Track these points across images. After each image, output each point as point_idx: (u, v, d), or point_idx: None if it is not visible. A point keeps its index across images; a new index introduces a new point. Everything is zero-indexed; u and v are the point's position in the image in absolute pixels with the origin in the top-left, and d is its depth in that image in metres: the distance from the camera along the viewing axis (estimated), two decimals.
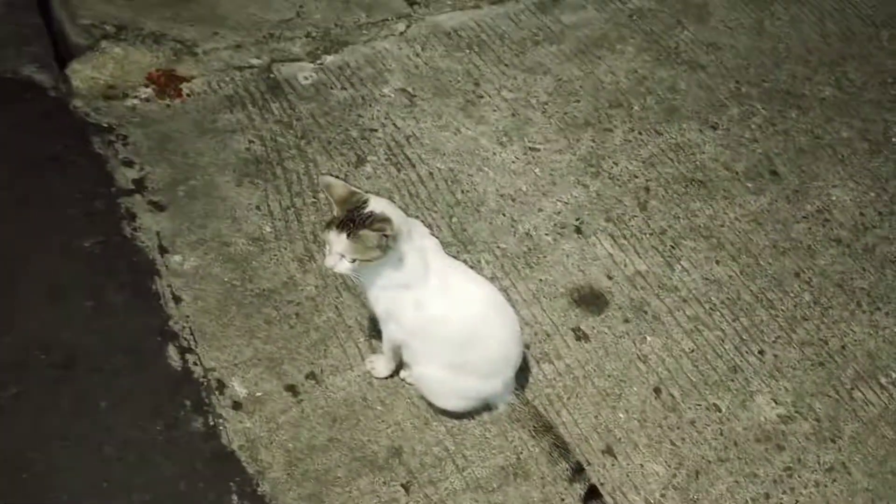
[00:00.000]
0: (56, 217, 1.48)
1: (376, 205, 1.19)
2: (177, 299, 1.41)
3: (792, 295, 1.59)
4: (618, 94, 1.91)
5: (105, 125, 1.64)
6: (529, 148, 1.77)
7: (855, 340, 1.54)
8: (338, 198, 1.18)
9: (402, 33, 1.97)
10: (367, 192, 1.22)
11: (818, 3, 2.24)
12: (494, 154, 1.75)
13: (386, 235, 1.16)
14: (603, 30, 2.06)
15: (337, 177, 1.39)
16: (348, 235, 1.16)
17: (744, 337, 1.51)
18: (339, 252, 1.18)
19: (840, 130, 1.93)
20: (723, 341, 1.50)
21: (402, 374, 1.37)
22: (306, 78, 1.83)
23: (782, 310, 1.56)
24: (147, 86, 1.72)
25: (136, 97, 1.70)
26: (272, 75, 1.81)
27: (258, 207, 1.57)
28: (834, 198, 1.78)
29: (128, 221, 1.50)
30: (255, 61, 1.83)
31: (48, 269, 1.41)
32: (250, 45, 1.85)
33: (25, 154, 1.57)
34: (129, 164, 1.59)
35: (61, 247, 1.44)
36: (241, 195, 1.59)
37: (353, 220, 1.17)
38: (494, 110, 1.83)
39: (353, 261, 1.18)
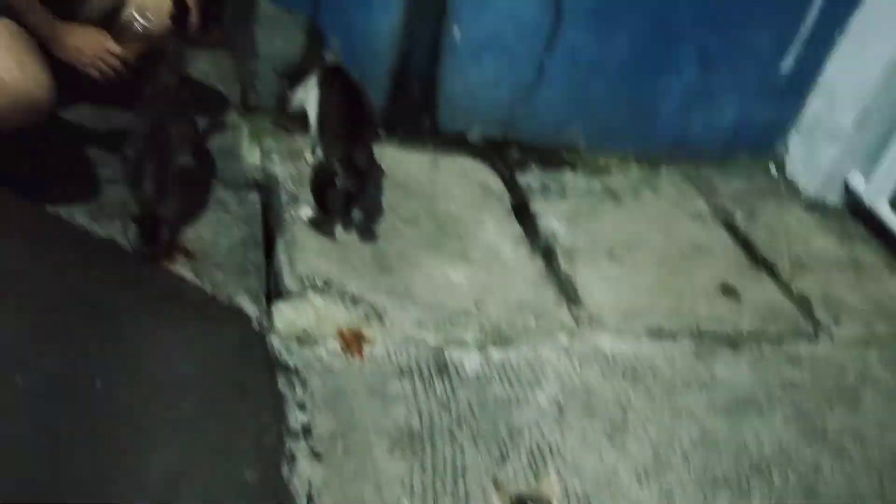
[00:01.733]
0: (226, 443, 1.63)
1: None
2: None
3: None
4: (760, 460, 1.95)
5: (292, 366, 1.82)
6: (666, 494, 1.81)
7: None
8: None
9: (564, 346, 2.12)
10: None
11: None
12: (630, 490, 1.79)
13: None
14: (753, 391, 2.14)
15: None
16: None
17: None
18: None
19: None
20: None
21: None
22: (471, 366, 1.98)
23: None
24: (336, 340, 1.91)
25: (324, 348, 1.89)
26: (442, 357, 1.98)
27: (402, 480, 1.66)
28: None
29: (287, 463, 1.62)
30: (430, 340, 2.01)
31: (208, 494, 1.53)
32: (430, 325, 2.05)
33: (216, 374, 1.76)
34: (302, 407, 1.74)
35: (225, 475, 1.56)
36: (390, 463, 1.69)
37: None
38: (637, 444, 1.90)
39: None
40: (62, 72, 1.92)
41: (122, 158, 2.01)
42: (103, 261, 1.93)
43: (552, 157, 2.80)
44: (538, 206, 2.57)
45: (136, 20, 2.06)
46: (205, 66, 2.66)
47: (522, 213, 2.53)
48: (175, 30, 2.12)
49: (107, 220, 2.05)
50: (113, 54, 2.01)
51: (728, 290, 2.43)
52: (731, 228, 2.75)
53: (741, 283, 2.48)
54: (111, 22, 2.13)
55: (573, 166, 2.80)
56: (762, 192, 3.00)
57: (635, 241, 2.54)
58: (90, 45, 1.98)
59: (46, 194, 2.03)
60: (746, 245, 2.68)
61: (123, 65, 2.04)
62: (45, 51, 1.89)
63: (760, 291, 2.48)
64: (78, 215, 2.03)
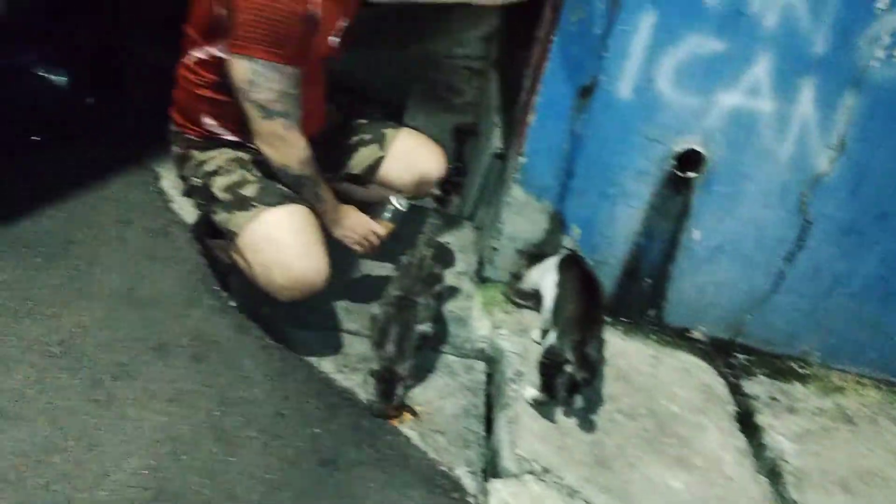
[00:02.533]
0: None
1: None
2: None
3: None
4: None
5: None
6: None
7: None
8: None
9: None
10: None
11: None
12: None
13: None
14: None
15: None
16: None
17: None
18: None
19: None
20: None
21: None
22: None
23: None
24: None
25: None
26: None
27: None
28: None
29: None
30: None
31: None
32: None
33: None
34: None
35: None
36: None
37: None
38: None
39: None
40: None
41: (371, 318, 2.18)
42: (342, 412, 2.06)
43: (782, 367, 2.68)
44: (765, 419, 2.44)
45: (393, 204, 2.31)
46: (444, 232, 2.86)
47: (747, 423, 2.42)
48: (437, 208, 2.33)
49: (349, 372, 2.21)
50: (375, 234, 2.26)
51: None
52: None
53: None
54: (371, 174, 2.40)
55: (805, 381, 2.66)
56: None
57: (872, 476, 2.33)
58: (359, 228, 2.23)
59: (298, 341, 2.24)
60: None
61: (380, 241, 2.29)
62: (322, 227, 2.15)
63: None
64: (324, 364, 2.21)
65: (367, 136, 2.38)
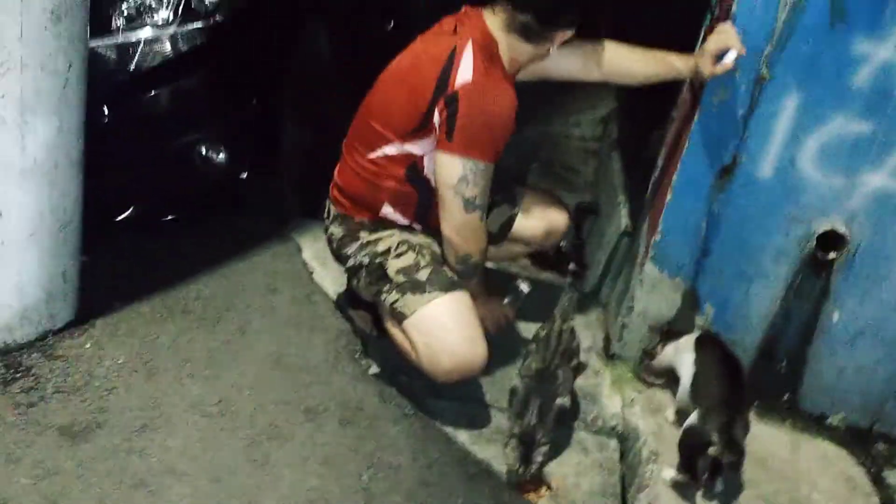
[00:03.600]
0: None
1: None
2: None
3: None
4: None
5: None
6: None
7: None
8: None
9: None
10: None
11: None
12: None
13: None
14: None
15: None
16: None
17: None
18: None
19: None
20: None
21: None
22: None
23: None
24: None
25: None
26: None
27: None
28: None
29: None
30: None
31: None
32: None
33: None
34: None
35: None
36: None
37: None
38: None
39: None
40: None
41: (511, 390, 2.21)
42: (483, 484, 2.07)
43: None
44: None
45: (519, 287, 2.46)
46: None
47: None
48: (571, 283, 2.39)
49: (484, 443, 2.23)
50: (506, 318, 2.43)
51: None
52: None
53: None
54: (505, 232, 2.50)
55: None
56: None
57: None
58: (494, 313, 2.38)
59: (436, 411, 2.28)
60: None
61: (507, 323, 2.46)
62: None
63: None
64: (460, 434, 2.24)
65: (497, 197, 2.47)
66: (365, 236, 2.23)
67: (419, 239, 2.23)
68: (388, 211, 2.22)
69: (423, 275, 2.15)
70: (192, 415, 2.00)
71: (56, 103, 1.87)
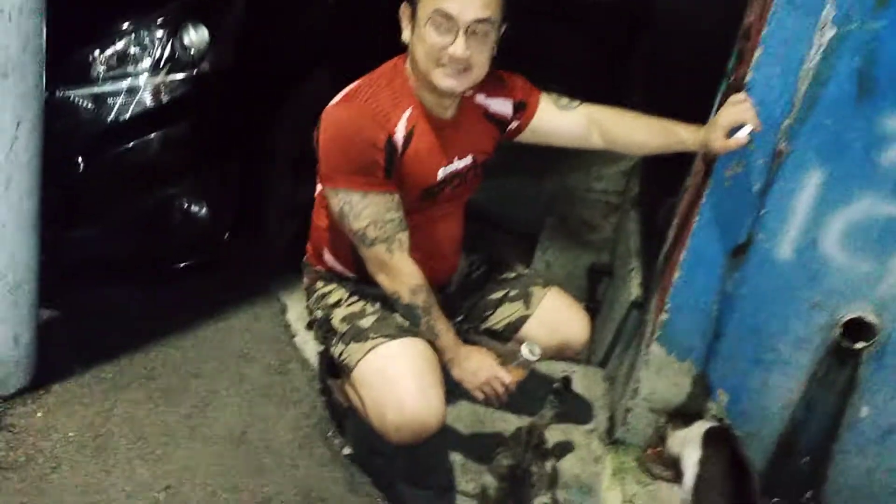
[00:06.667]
0: None
1: None
2: None
3: None
4: None
5: None
6: None
7: None
8: None
9: None
10: None
11: None
12: None
13: None
14: None
15: None
16: None
17: None
18: None
19: None
20: None
21: None
22: None
23: None
24: None
25: None
26: None
27: None
28: None
29: None
30: None
31: None
32: None
33: None
34: None
35: None
36: None
37: None
38: None
39: None
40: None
41: (481, 489, 2.01)
42: None
43: None
44: None
45: (524, 355, 2.06)
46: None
47: None
48: (553, 400, 2.13)
49: None
50: (500, 381, 2.01)
51: None
52: None
53: None
54: (513, 331, 2.23)
55: None
56: None
57: None
58: (481, 373, 2.00)
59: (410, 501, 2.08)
60: None
61: (506, 391, 2.04)
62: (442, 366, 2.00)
63: None
64: None
65: (513, 292, 2.25)
66: (321, 287, 2.06)
67: (375, 290, 1.98)
68: (329, 258, 2.05)
69: (366, 322, 1.95)
70: (135, 501, 1.84)
71: (2, 162, 1.75)
